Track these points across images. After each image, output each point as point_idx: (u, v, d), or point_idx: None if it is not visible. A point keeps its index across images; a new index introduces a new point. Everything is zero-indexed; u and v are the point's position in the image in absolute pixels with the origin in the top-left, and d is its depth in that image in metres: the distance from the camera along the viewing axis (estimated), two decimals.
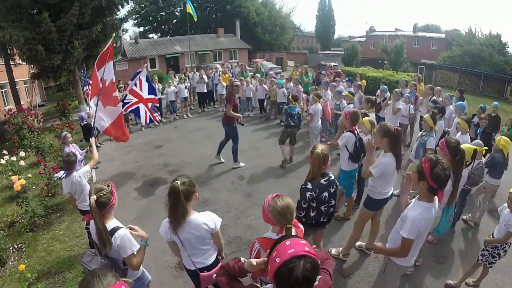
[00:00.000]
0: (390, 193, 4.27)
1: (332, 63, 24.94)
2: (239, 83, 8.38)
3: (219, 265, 2.96)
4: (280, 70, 31.67)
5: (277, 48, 50.49)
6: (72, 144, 6.93)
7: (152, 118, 8.27)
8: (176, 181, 2.67)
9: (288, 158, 8.43)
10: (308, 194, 3.52)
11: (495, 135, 7.97)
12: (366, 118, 5.47)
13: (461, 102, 8.10)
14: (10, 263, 5.25)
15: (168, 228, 2.78)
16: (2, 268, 5.13)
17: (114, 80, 6.59)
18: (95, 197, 2.62)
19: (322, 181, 3.57)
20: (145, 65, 9.73)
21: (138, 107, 8.03)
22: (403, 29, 52.18)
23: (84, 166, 6.34)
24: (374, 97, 8.11)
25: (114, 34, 11.30)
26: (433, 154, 2.83)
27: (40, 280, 4.68)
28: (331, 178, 3.64)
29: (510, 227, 3.70)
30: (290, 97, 8.60)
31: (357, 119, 5.26)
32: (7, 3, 14.69)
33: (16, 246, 5.65)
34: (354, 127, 5.25)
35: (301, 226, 2.80)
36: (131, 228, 2.83)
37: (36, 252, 5.46)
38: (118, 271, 2.80)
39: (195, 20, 26.04)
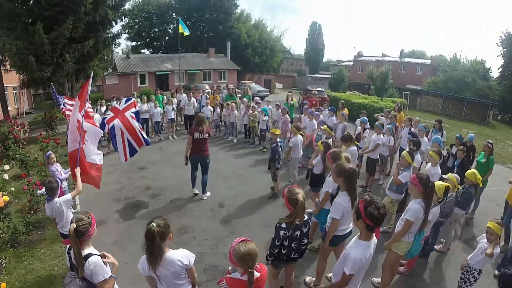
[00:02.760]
0: (349, 230, 4.52)
1: (319, 88, 25.24)
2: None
3: None
4: (268, 93, 31.80)
5: (266, 70, 51.13)
6: (56, 163, 6.96)
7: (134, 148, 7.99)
8: (152, 224, 2.87)
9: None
10: (282, 232, 3.69)
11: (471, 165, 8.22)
12: (343, 154, 5.76)
13: (438, 136, 8.31)
14: None
15: (146, 265, 2.97)
16: None
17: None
18: (74, 225, 2.88)
19: (296, 221, 3.73)
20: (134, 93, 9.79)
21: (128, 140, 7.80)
22: (390, 55, 54.12)
23: (67, 186, 6.46)
24: (347, 133, 8.10)
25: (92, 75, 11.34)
26: (369, 195, 3.10)
27: None
28: (305, 219, 3.81)
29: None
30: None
31: (338, 158, 5.41)
32: (3, 10, 14.85)
33: None
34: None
35: (265, 268, 3.01)
36: (104, 255, 3.07)
37: (17, 269, 5.50)
38: None
39: (185, 35, 26.17)
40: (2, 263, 5.66)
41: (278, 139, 8.07)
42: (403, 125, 10.02)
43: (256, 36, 49.24)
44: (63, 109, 10.28)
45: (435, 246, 6.06)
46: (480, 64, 36.65)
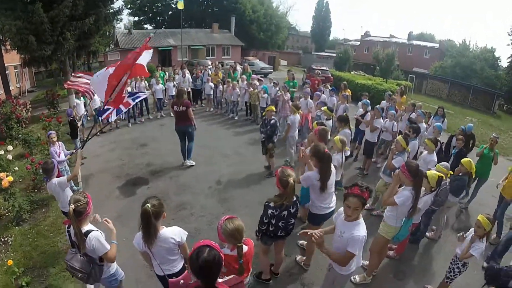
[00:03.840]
0: (330, 210, 4.64)
1: (323, 67, 24.86)
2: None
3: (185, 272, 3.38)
4: (271, 70, 31.35)
5: (271, 47, 50.24)
6: (59, 142, 7.04)
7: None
8: (147, 204, 3.03)
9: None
10: (269, 211, 3.87)
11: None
12: (337, 137, 5.85)
13: (439, 123, 8.33)
14: None
15: (141, 242, 3.16)
16: None
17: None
18: (73, 206, 3.14)
19: (285, 202, 3.88)
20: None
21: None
22: (398, 36, 52.78)
23: (65, 167, 6.60)
24: (345, 114, 8.26)
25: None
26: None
27: (26, 273, 4.99)
28: (293, 200, 3.96)
29: (472, 250, 4.09)
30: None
31: (326, 136, 5.58)
32: None
33: (3, 239, 5.91)
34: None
35: (251, 242, 3.22)
36: (106, 221, 3.50)
37: (22, 246, 5.75)
38: (95, 267, 3.36)
39: (180, 7, 25.42)
40: (8, 240, 5.89)
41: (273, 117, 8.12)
42: (404, 108, 10.01)
43: (261, 11, 48.16)
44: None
45: (427, 233, 6.11)
46: (490, 53, 35.74)
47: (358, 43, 55.19)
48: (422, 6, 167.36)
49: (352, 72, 31.30)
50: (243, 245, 3.00)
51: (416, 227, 5.52)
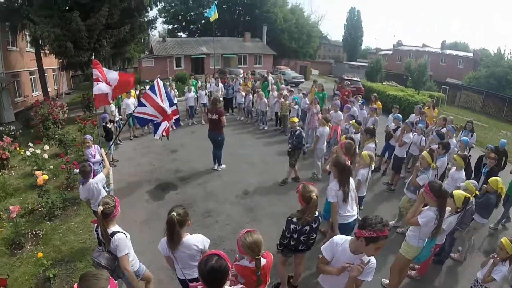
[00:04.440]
0: (353, 218, 4.67)
1: (354, 78, 24.67)
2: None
3: None
4: (303, 80, 31.09)
5: (302, 56, 50.16)
6: (94, 145, 7.32)
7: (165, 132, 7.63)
8: (173, 213, 3.19)
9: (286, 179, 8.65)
10: (292, 226, 3.91)
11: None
12: (365, 152, 5.78)
13: (466, 138, 8.08)
14: (28, 247, 5.84)
15: (165, 246, 3.32)
16: (20, 251, 5.72)
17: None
18: (101, 208, 3.42)
19: (307, 217, 3.89)
20: (158, 76, 9.74)
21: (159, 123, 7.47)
22: (430, 45, 51.73)
23: (100, 168, 6.92)
24: (373, 127, 8.20)
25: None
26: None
27: (54, 266, 5.24)
28: (315, 215, 3.96)
29: (494, 273, 3.98)
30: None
31: (351, 149, 5.60)
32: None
33: (34, 233, 6.23)
34: (348, 158, 5.38)
35: (271, 255, 3.25)
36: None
37: (52, 240, 6.04)
38: (119, 265, 3.60)
39: (213, 18, 25.58)
40: (39, 234, 6.20)
41: (298, 127, 8.14)
42: (435, 122, 9.77)
43: (293, 21, 48.22)
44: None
45: (452, 254, 5.86)
46: None
47: (390, 52, 54.40)
48: (455, 14, 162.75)
49: (383, 83, 30.72)
50: (262, 258, 3.06)
51: (440, 247, 5.34)
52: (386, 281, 4.92)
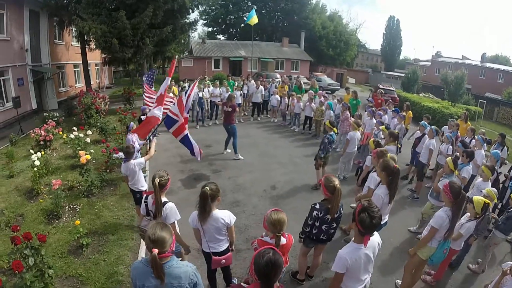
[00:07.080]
0: (384, 221, 4.81)
1: (390, 88, 24.52)
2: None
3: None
4: (339, 87, 30.78)
5: (339, 63, 49.97)
6: (134, 134, 7.66)
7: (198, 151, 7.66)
8: (206, 187, 3.59)
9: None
10: (315, 212, 4.11)
11: None
12: (389, 155, 5.92)
13: (497, 151, 7.83)
14: (64, 219, 6.43)
15: (195, 219, 3.71)
16: (57, 221, 6.31)
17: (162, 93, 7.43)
18: (158, 179, 3.79)
19: (329, 205, 4.10)
20: (200, 77, 10.02)
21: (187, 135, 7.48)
22: (470, 57, 50.15)
23: (138, 154, 7.38)
24: (397, 132, 8.16)
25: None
26: (367, 200, 3.06)
27: (87, 235, 5.74)
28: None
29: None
30: (327, 123, 8.39)
31: (384, 157, 5.67)
32: None
33: (71, 206, 6.84)
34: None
35: (292, 237, 3.53)
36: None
37: (88, 214, 6.59)
38: None
39: (253, 23, 25.79)
40: (76, 208, 6.80)
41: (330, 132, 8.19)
42: (467, 135, 9.68)
43: (331, 28, 48.22)
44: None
45: (470, 265, 5.75)
46: None
47: (429, 63, 53.04)
48: (496, 27, 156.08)
49: (420, 94, 30.15)
50: (282, 237, 3.31)
51: (458, 255, 5.32)
52: (399, 281, 4.98)
